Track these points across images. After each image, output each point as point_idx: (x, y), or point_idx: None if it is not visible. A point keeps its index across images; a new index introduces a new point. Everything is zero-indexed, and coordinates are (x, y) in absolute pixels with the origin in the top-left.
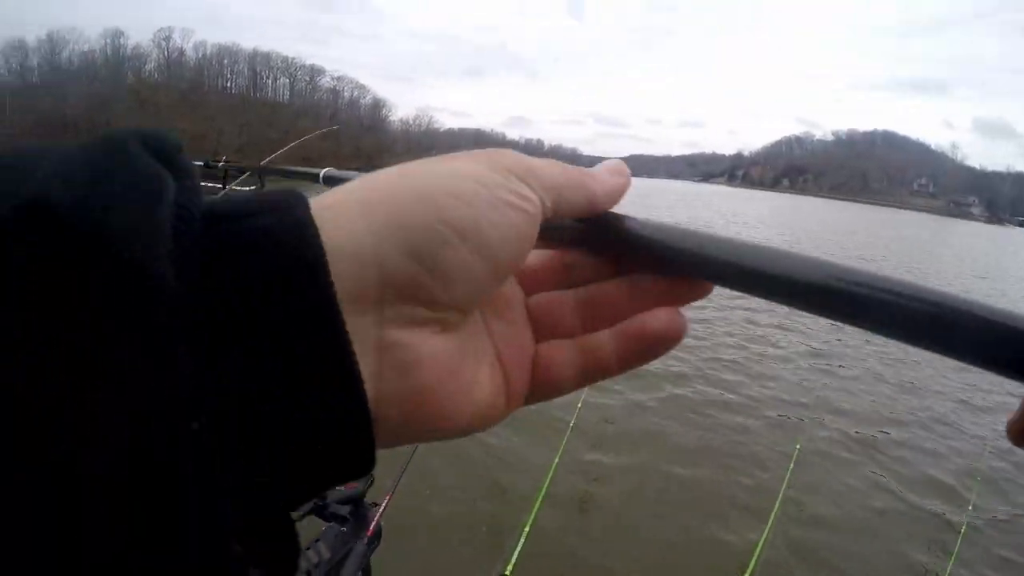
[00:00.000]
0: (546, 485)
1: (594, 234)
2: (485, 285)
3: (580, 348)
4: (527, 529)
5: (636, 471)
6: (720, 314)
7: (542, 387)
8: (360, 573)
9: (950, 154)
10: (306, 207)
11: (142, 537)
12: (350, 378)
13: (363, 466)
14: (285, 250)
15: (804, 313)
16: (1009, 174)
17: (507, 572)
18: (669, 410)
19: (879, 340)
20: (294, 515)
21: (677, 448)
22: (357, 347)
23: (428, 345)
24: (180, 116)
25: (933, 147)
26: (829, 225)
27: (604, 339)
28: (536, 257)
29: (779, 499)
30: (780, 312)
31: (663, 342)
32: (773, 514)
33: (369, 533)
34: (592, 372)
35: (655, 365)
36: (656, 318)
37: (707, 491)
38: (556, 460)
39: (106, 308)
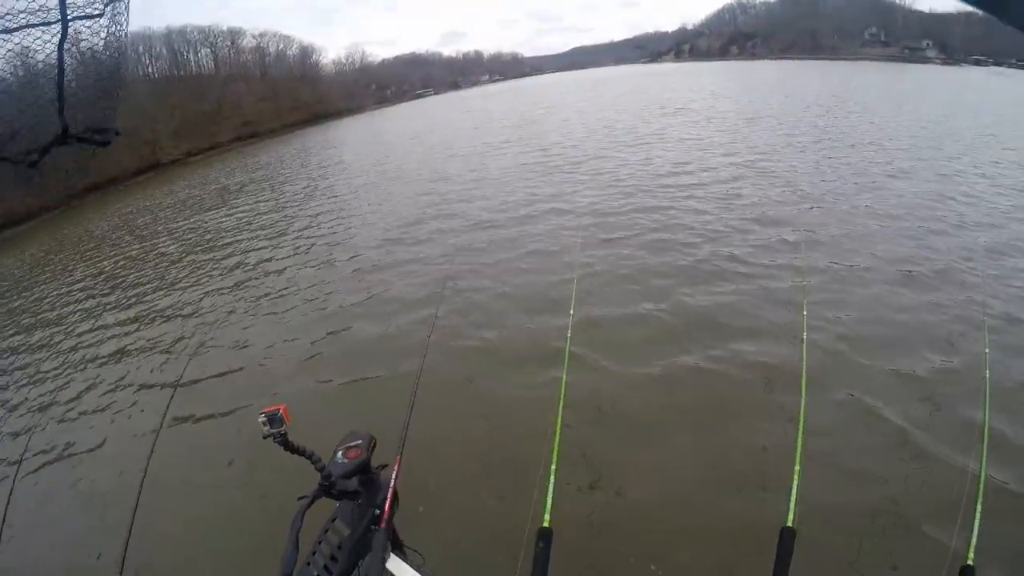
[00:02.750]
0: (559, 416)
1: None
2: None
3: None
4: (552, 477)
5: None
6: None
7: None
8: (388, 545)
9: (899, 1)
10: None
11: None
12: None
13: None
14: None
15: None
16: (960, 15)
17: (546, 524)
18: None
19: None
20: (303, 502)
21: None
22: None
23: None
24: None
25: None
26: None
27: None
28: None
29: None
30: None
31: None
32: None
33: (386, 512)
34: None
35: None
36: None
37: None
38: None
39: None
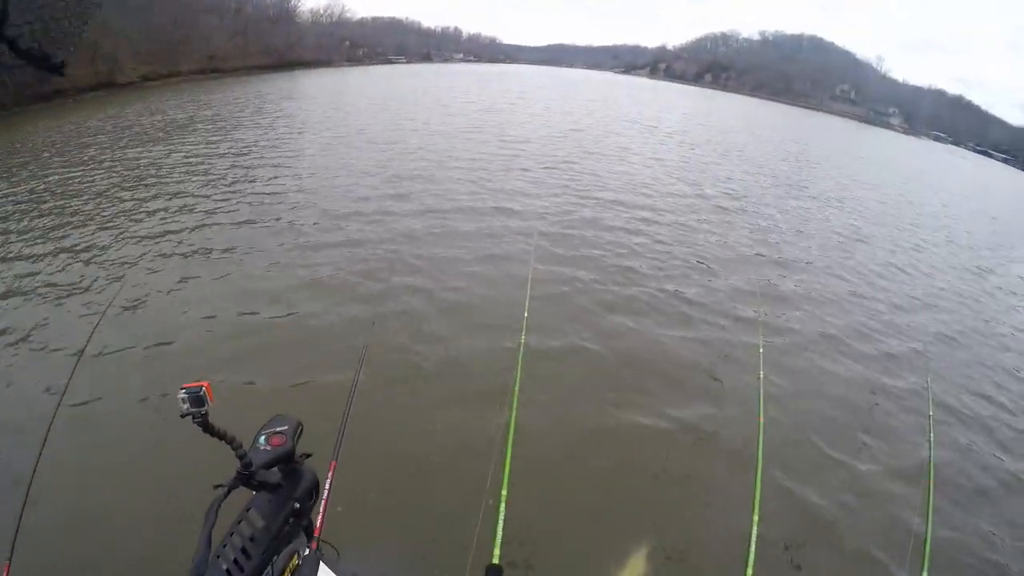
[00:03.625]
0: (509, 442)
1: None
2: None
3: None
4: (502, 505)
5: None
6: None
7: None
8: (302, 534)
9: (875, 65)
10: None
11: None
12: None
13: None
14: None
15: None
16: (930, 90)
17: (496, 561)
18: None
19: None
20: (219, 492)
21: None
22: None
23: None
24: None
25: (859, 57)
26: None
27: None
28: None
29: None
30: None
31: None
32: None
33: (317, 531)
34: None
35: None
36: None
37: None
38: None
39: None
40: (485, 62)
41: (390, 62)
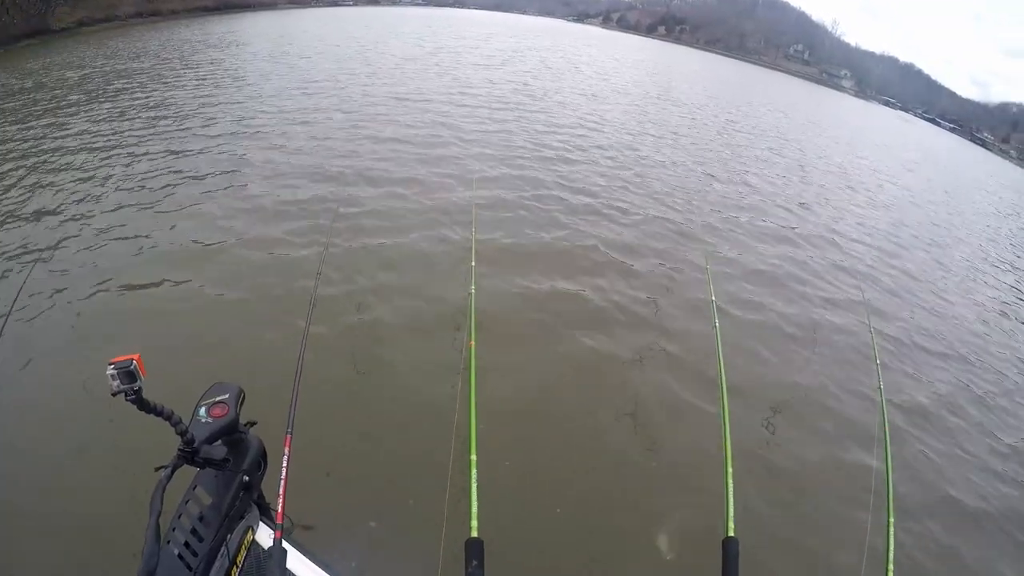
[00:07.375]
0: (472, 404)
1: None
2: None
3: None
4: (473, 471)
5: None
6: None
7: None
8: (254, 506)
9: (830, 28)
10: None
11: None
12: None
13: None
14: None
15: None
16: (883, 56)
17: (474, 534)
18: None
19: None
20: (162, 474)
21: None
22: None
23: None
24: None
25: (814, 19)
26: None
27: None
28: None
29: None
30: None
31: None
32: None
33: (280, 515)
34: None
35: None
36: None
37: None
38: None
39: None
40: (434, 6)
41: (337, 4)
